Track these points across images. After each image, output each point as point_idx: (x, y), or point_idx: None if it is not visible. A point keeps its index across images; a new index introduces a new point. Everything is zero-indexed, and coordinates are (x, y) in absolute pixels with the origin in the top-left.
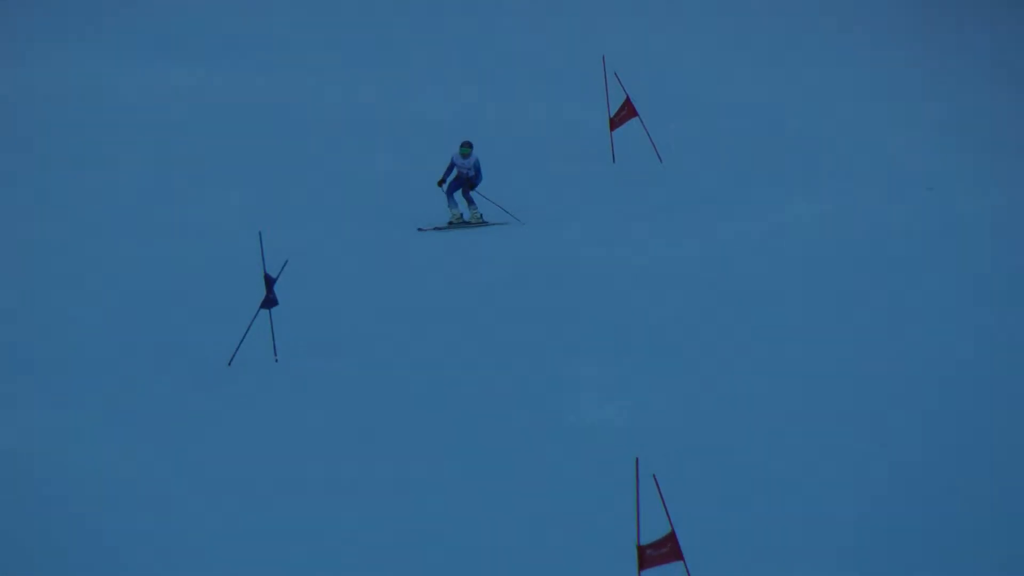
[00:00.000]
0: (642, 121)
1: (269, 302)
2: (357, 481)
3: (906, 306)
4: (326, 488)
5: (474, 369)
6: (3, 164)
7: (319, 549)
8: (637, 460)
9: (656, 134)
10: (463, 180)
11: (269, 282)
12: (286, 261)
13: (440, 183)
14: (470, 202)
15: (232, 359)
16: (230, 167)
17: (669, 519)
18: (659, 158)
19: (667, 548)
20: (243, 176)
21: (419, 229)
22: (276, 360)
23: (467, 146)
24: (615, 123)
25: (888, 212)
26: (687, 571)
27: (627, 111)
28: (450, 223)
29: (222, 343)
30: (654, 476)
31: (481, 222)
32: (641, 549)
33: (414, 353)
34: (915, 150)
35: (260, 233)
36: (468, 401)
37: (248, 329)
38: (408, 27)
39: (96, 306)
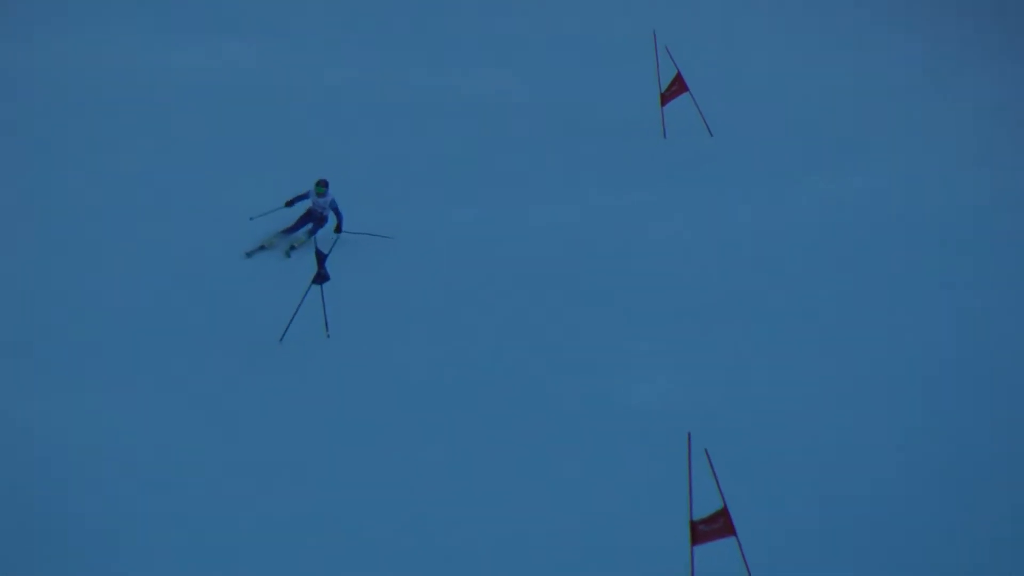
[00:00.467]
0: (692, 96)
1: (321, 278)
2: (407, 458)
3: (961, 282)
4: (379, 466)
5: (523, 346)
6: (41, 146)
7: (367, 527)
8: (689, 436)
9: (705, 111)
10: (315, 216)
11: (320, 258)
12: (336, 237)
13: (287, 204)
14: (306, 236)
15: (284, 335)
16: (277, 147)
17: (721, 495)
18: (710, 132)
19: (719, 524)
20: (290, 156)
21: (250, 218)
22: (327, 336)
23: (322, 185)
24: (666, 98)
25: (942, 189)
26: (739, 546)
27: (678, 86)
28: (261, 246)
29: (275, 319)
30: (706, 451)
31: (290, 248)
32: (694, 524)
33: (462, 329)
34: (968, 127)
35: (311, 210)
36: (517, 378)
37: (299, 305)
38: (453, 7)
39: (147, 286)
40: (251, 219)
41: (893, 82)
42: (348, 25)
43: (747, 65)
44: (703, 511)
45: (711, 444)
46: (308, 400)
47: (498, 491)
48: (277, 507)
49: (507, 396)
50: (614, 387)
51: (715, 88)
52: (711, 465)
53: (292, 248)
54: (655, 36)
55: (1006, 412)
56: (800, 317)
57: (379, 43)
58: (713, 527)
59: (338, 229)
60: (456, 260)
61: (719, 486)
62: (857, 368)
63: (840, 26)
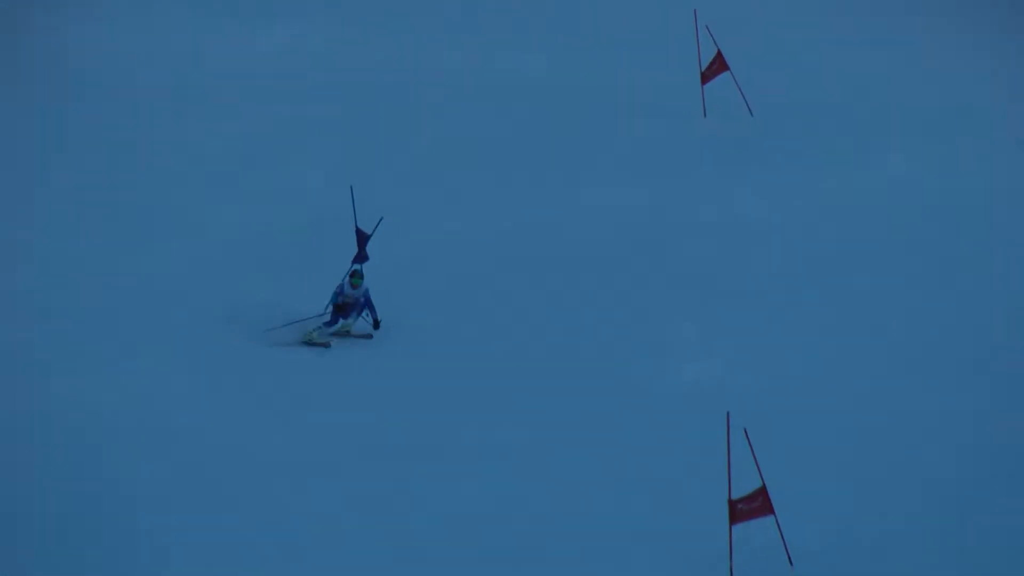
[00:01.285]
0: (733, 75)
1: (361, 258)
2: (450, 444)
3: (1002, 267)
4: (419, 452)
5: (567, 327)
6: (104, 125)
7: (414, 513)
8: (728, 415)
9: (744, 90)
10: (350, 308)
11: (362, 237)
12: (381, 218)
13: (337, 307)
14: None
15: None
16: (330, 128)
17: (760, 474)
18: (750, 112)
19: (758, 502)
20: (342, 136)
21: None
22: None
23: (358, 275)
24: (706, 77)
25: (980, 171)
26: (778, 525)
27: (718, 65)
28: (311, 341)
29: (317, 301)
30: (745, 431)
31: (347, 333)
32: (732, 503)
33: (507, 310)
34: (1007, 110)
35: (352, 188)
36: (561, 359)
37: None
38: None
39: (185, 267)
40: (267, 331)
41: (929, 64)
42: (393, 8)
43: (787, 45)
44: (742, 490)
45: (750, 424)
46: (358, 387)
47: (540, 472)
48: (335, 494)
49: (553, 376)
50: (656, 367)
51: (754, 67)
52: (750, 444)
53: (347, 333)
54: (696, 15)
55: None
56: (841, 299)
57: (424, 30)
58: (752, 506)
59: (376, 325)
60: (505, 243)
61: (758, 465)
62: (900, 351)
63: (879, 7)
